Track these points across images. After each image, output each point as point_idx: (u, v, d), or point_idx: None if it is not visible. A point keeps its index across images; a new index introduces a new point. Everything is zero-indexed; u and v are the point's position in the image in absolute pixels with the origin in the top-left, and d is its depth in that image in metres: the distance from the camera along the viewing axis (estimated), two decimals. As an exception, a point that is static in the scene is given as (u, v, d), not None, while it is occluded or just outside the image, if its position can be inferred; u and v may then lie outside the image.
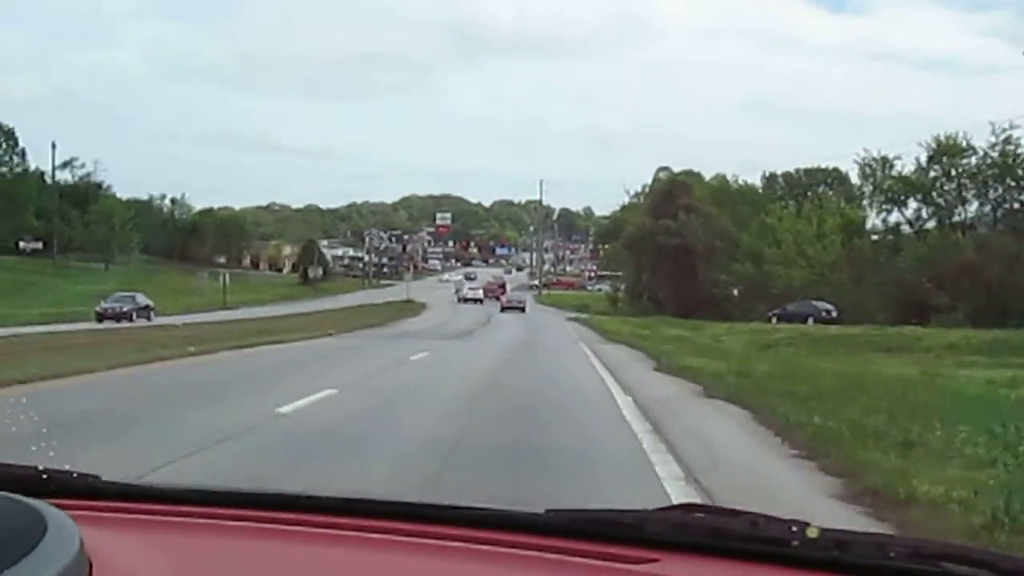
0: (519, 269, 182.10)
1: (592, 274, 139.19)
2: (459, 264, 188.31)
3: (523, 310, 79.11)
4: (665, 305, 74.61)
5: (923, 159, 64.46)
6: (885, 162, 66.70)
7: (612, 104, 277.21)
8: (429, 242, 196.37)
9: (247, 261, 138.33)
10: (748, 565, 1.45)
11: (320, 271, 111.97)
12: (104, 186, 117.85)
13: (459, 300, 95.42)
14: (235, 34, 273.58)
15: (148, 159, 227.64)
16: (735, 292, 68.05)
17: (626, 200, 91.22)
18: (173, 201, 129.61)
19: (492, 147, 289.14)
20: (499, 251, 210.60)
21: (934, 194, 64.32)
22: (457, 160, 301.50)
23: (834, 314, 59.86)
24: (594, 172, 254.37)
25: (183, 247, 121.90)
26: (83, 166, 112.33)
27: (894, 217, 66.74)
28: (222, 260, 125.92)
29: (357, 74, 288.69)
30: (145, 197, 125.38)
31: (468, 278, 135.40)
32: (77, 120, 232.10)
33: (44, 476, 1.68)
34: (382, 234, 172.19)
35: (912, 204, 65.37)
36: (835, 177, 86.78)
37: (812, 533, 1.45)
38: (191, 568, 1.39)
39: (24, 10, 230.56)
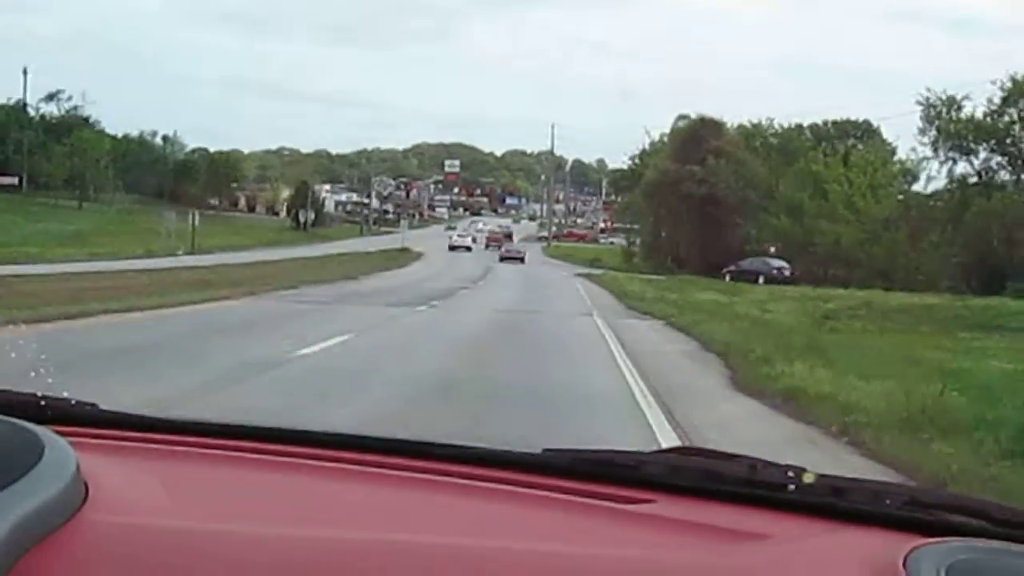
0: (531, 219, 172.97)
1: (605, 226, 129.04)
2: (467, 213, 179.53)
3: (522, 260, 72.29)
4: (686, 262, 64.65)
5: (996, 100, 54.27)
6: (952, 103, 56.03)
7: (632, 54, 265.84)
8: (439, 189, 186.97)
9: (242, 203, 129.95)
10: (743, 508, 1.44)
11: (312, 215, 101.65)
12: (92, 120, 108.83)
13: (449, 248, 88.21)
14: None
15: (160, 102, 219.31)
16: (772, 250, 57.88)
17: (646, 144, 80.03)
18: (165, 139, 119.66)
19: (508, 97, 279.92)
20: (509, 201, 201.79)
21: (1008, 141, 54.00)
22: (471, 109, 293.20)
23: (787, 273, 55.08)
24: (610, 123, 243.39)
25: (174, 188, 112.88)
26: (70, 99, 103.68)
27: (960, 168, 56.37)
28: (214, 202, 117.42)
29: (380, 21, 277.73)
30: (135, 133, 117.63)
31: (475, 228, 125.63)
32: (93, 61, 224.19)
33: (42, 403, 1.65)
34: (389, 180, 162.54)
35: (982, 153, 55.06)
36: (865, 130, 76.68)
37: (808, 479, 1.45)
38: (186, 494, 1.38)
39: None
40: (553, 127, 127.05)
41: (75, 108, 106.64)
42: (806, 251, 57.08)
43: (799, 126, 75.41)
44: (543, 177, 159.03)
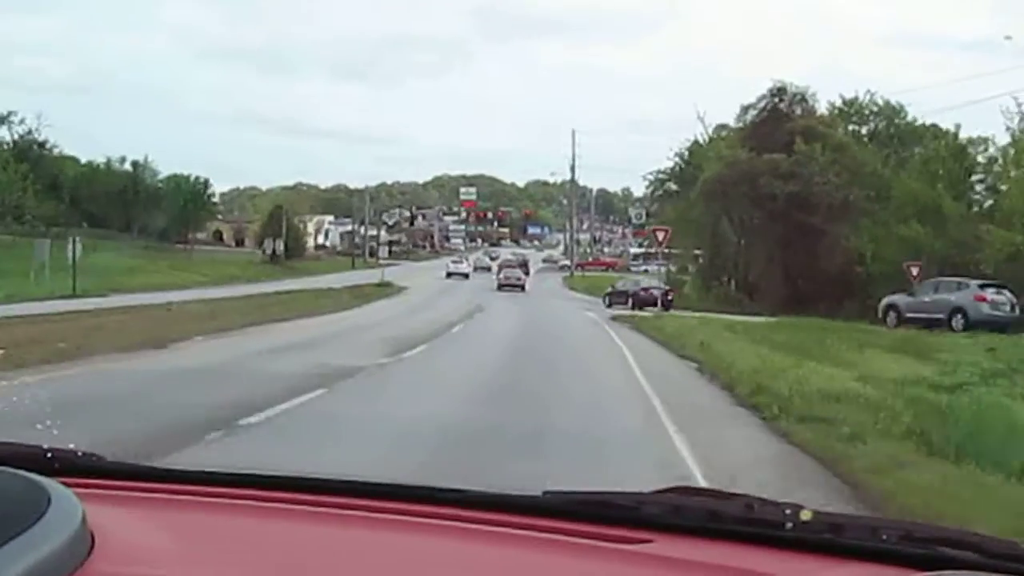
0: (553, 249, 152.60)
1: (640, 248, 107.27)
2: (485, 244, 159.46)
3: (522, 288, 59.82)
4: (763, 291, 43.13)
5: None
6: None
7: (648, 85, 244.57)
8: (457, 220, 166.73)
9: (228, 236, 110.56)
10: (741, 547, 1.41)
11: (281, 245, 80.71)
12: (48, 145, 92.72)
13: (446, 275, 78.67)
14: (265, 18, 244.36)
15: (177, 142, 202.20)
16: (913, 271, 35.81)
17: (701, 135, 57.19)
18: (135, 165, 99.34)
19: (526, 129, 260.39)
20: (531, 230, 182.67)
21: None
22: (490, 141, 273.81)
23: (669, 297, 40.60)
24: (631, 155, 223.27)
25: (144, 219, 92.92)
26: (22, 122, 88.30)
27: None
28: (201, 235, 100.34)
29: (388, 56, 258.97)
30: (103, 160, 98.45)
31: (491, 257, 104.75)
32: (110, 103, 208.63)
33: (48, 455, 1.62)
34: (396, 210, 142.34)
35: None
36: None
37: (805, 516, 1.43)
38: (193, 544, 1.36)
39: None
40: (574, 133, 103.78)
41: (28, 132, 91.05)
42: (961, 266, 35.36)
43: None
44: (565, 202, 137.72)
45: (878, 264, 40.21)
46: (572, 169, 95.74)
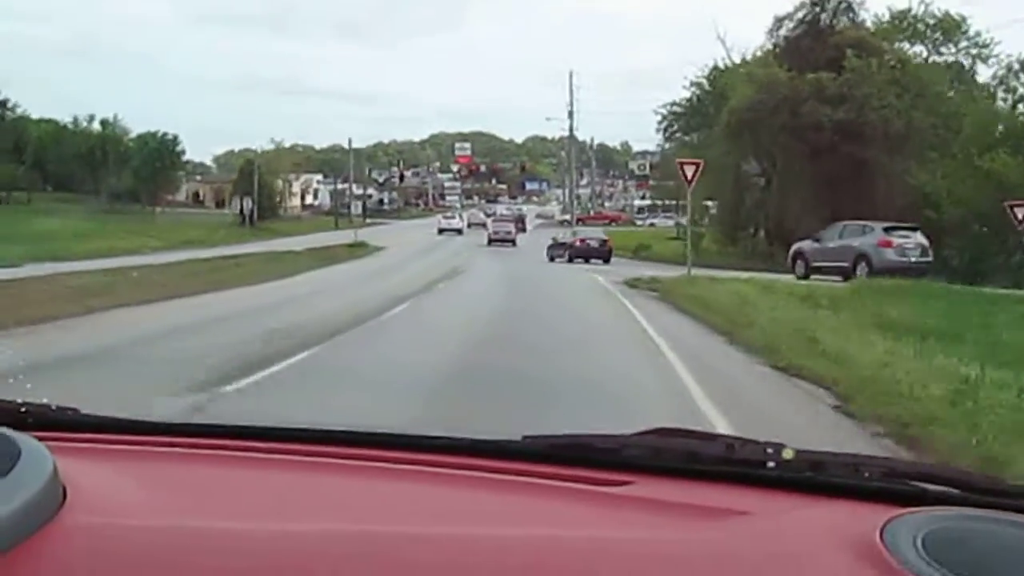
0: (551, 204, 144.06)
1: (645, 201, 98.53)
2: (483, 201, 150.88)
3: (513, 243, 54.98)
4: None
5: None
6: None
7: (652, 36, 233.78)
8: (451, 176, 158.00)
9: (208, 197, 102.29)
10: (723, 487, 1.39)
11: (249, 204, 72.00)
12: (10, 105, 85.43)
13: (438, 231, 74.04)
14: None
15: (173, 104, 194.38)
16: (1019, 214, 26.96)
17: (723, 59, 45.81)
18: (104, 124, 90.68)
19: (524, 83, 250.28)
20: (529, 186, 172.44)
21: None
22: (489, 98, 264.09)
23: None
24: (632, 108, 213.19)
25: (114, 180, 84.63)
26: None
27: None
28: (178, 197, 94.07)
29: (387, 12, 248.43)
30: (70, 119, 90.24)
31: (486, 214, 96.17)
32: (107, 66, 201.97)
33: (23, 410, 1.60)
34: (394, 168, 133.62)
35: None
36: None
37: (787, 455, 1.41)
38: (165, 493, 1.33)
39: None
40: (571, 78, 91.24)
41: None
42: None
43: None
44: (563, 154, 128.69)
45: (955, 206, 31.48)
46: (571, 114, 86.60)
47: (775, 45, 39.24)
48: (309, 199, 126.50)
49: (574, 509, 1.32)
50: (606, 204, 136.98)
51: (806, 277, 28.47)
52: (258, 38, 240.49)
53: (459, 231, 76.31)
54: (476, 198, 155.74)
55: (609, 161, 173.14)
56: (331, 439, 1.58)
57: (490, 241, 57.77)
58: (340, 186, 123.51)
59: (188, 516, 1.21)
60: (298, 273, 30.90)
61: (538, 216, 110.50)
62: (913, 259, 27.09)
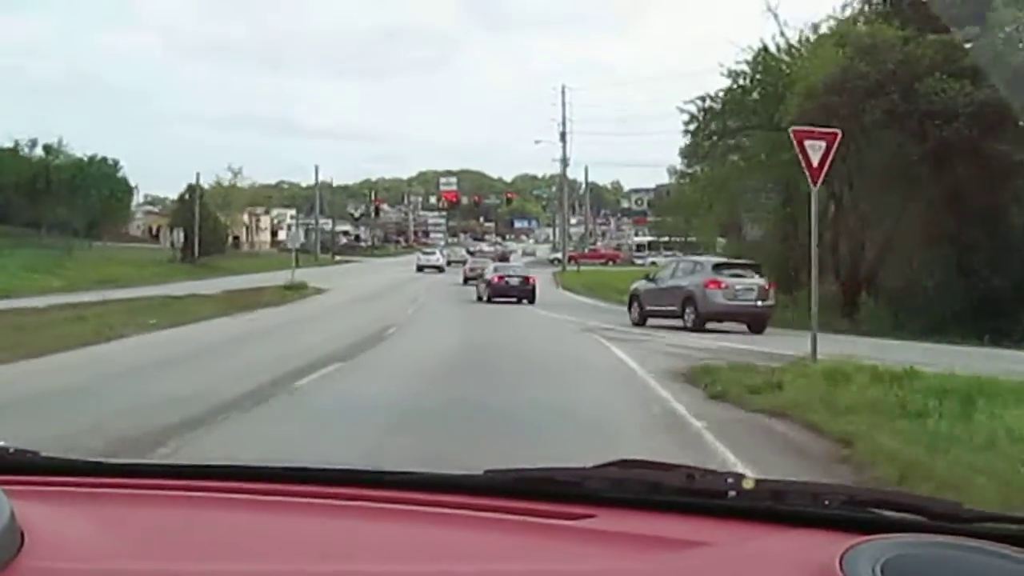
0: (540, 244, 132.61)
1: (643, 237, 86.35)
2: (468, 238, 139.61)
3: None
4: (914, 294, 22.49)
5: None
6: None
7: (636, 80, 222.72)
8: (436, 213, 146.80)
9: (154, 231, 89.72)
10: (684, 517, 1.37)
11: (181, 237, 59.89)
12: None
13: (417, 268, 67.73)
14: (251, 13, 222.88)
15: (162, 144, 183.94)
16: None
17: (774, 36, 31.61)
18: (47, 150, 78.35)
19: (516, 125, 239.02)
20: (517, 224, 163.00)
21: None
22: (478, 138, 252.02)
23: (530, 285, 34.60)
24: (622, 150, 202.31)
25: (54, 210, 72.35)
26: None
27: None
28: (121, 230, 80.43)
29: (376, 52, 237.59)
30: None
31: (469, 252, 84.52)
32: (96, 105, 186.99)
33: None
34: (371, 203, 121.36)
35: None
36: None
37: (748, 484, 1.40)
38: (124, 536, 1.29)
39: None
40: (564, 93, 76.89)
41: None
42: None
43: None
44: (554, 188, 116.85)
45: None
46: (563, 136, 74.25)
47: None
48: (283, 235, 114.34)
49: (537, 543, 1.28)
50: (599, 243, 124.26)
51: (642, 323, 24.58)
52: (245, 74, 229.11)
53: (439, 268, 68.64)
54: (462, 236, 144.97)
55: (600, 200, 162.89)
56: (290, 477, 1.51)
57: (466, 280, 46.24)
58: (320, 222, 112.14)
59: (145, 559, 1.17)
60: (174, 325, 21.88)
61: (524, 254, 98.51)
62: (746, 302, 22.77)
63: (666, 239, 72.08)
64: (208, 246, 63.06)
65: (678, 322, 23.31)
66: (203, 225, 62.48)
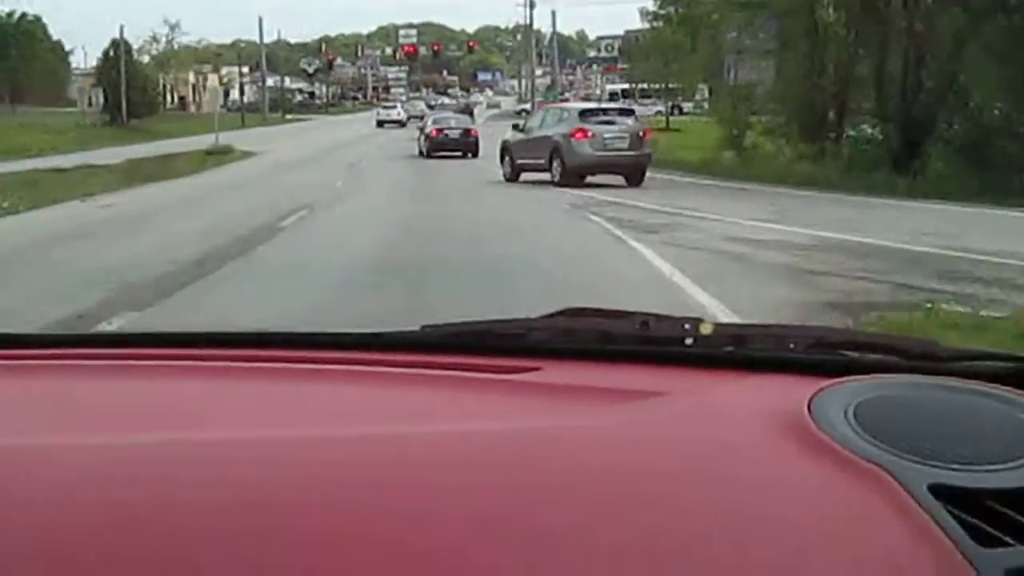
0: (506, 96, 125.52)
1: (617, 85, 79.22)
2: (431, 92, 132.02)
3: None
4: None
5: None
6: None
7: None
8: (397, 68, 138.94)
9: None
10: (638, 367, 1.26)
11: (100, 99, 53.08)
12: None
13: (376, 124, 62.63)
14: None
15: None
16: None
17: None
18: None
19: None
20: (481, 76, 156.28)
21: None
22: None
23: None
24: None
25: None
26: None
27: None
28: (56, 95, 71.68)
29: None
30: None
31: (429, 106, 77.67)
32: None
33: None
34: (334, 60, 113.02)
35: None
36: None
37: (706, 329, 1.30)
38: (49, 408, 1.21)
39: None
40: None
41: None
42: None
43: None
44: (518, 36, 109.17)
45: None
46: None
47: None
48: (236, 95, 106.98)
49: (477, 399, 1.20)
50: (567, 94, 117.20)
51: (515, 178, 22.35)
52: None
53: (401, 123, 63.71)
54: (424, 90, 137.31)
55: (565, 51, 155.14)
56: (209, 341, 1.41)
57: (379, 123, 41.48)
58: (274, 81, 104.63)
59: (71, 432, 1.07)
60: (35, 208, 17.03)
61: (489, 106, 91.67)
62: (617, 152, 20.57)
63: (644, 86, 65.34)
64: (138, 107, 55.92)
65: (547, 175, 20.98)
66: (132, 84, 55.20)
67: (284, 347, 1.38)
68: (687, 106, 62.43)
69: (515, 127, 24.14)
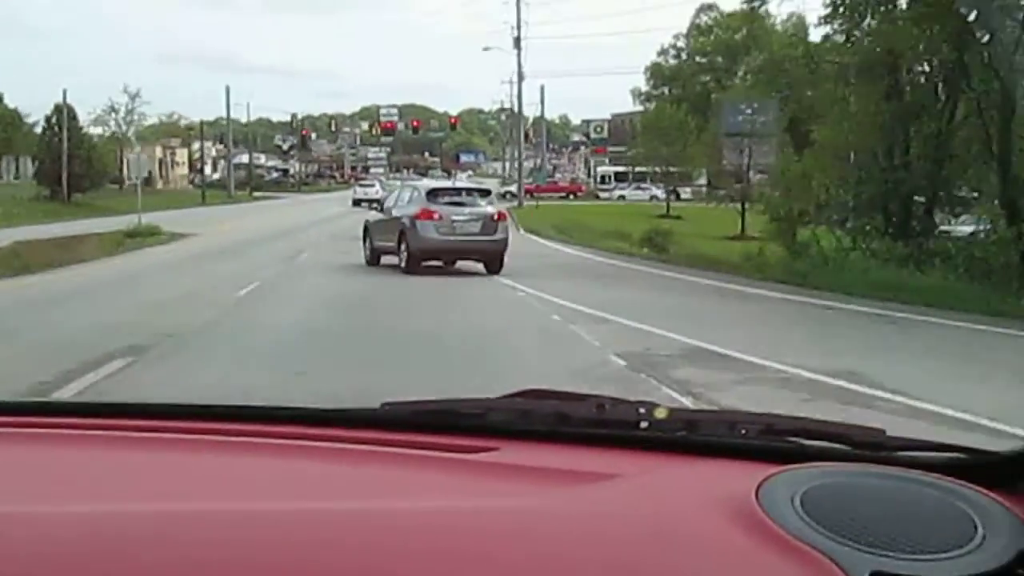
0: (491, 178, 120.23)
1: (611, 167, 73.64)
2: (411, 173, 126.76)
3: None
4: None
5: None
6: None
7: (587, 14, 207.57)
8: (377, 149, 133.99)
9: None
10: (593, 449, 1.26)
11: (29, 169, 47.59)
12: None
13: (352, 203, 56.34)
14: None
15: (108, 82, 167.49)
16: None
17: None
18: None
19: (463, 61, 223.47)
20: (464, 158, 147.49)
21: None
22: (425, 74, 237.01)
23: None
24: (570, 85, 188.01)
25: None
26: None
27: None
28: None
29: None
30: None
31: (406, 184, 71.14)
32: (33, 46, 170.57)
33: None
34: (308, 135, 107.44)
35: None
36: None
37: (660, 414, 1.30)
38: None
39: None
40: (519, 4, 63.17)
41: None
42: None
43: None
44: (504, 117, 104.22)
45: None
46: (517, 42, 60.25)
47: None
48: (209, 170, 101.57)
49: (435, 478, 1.19)
50: (556, 176, 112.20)
51: (375, 262, 19.59)
52: (191, 10, 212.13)
53: (377, 202, 54.28)
54: (405, 171, 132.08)
55: (548, 134, 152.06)
56: (175, 414, 1.39)
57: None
58: (248, 158, 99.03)
59: (23, 501, 1.06)
60: None
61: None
62: (467, 237, 18.17)
63: (642, 169, 59.90)
64: (81, 180, 49.67)
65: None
66: (75, 156, 49.05)
67: (244, 421, 1.35)
68: (685, 191, 57.00)
69: (379, 206, 21.89)
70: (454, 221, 18.37)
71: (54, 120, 48.76)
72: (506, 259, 18.58)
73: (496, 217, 19.05)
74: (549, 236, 30.35)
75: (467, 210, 18.83)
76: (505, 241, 19.01)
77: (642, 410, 1.29)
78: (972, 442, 1.28)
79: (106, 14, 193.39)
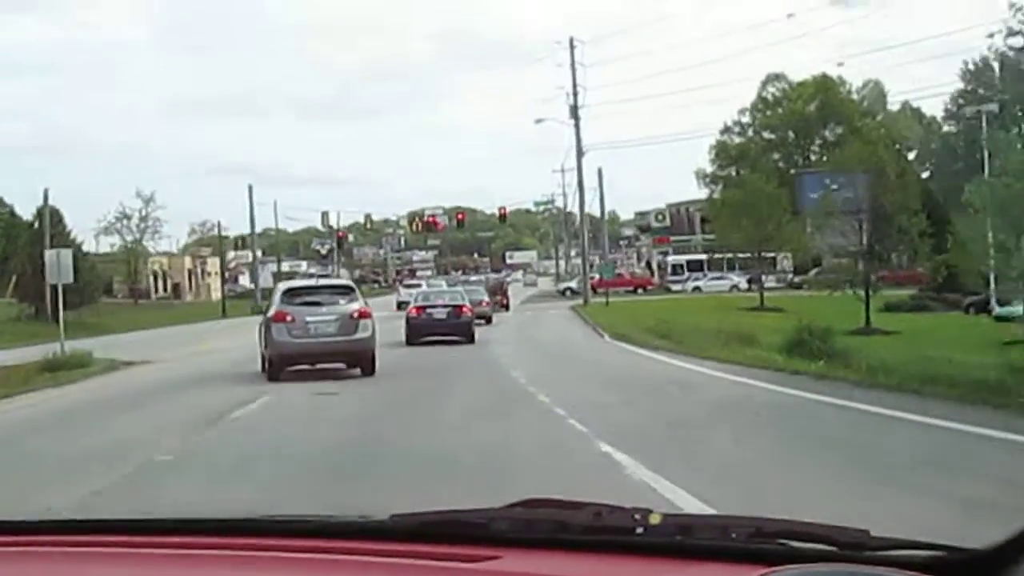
0: (542, 276, 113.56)
1: (678, 256, 65.88)
2: (460, 274, 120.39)
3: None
4: None
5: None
6: None
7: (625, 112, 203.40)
8: (424, 253, 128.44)
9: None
10: (592, 556, 1.31)
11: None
12: None
13: (397, 305, 48.69)
14: (231, 69, 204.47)
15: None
16: None
17: None
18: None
19: (507, 161, 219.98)
20: (513, 258, 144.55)
21: None
22: (470, 176, 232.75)
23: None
24: (616, 179, 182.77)
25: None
26: None
27: None
28: None
29: (360, 93, 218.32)
30: None
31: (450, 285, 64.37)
32: (95, 165, 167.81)
33: None
34: (344, 237, 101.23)
35: None
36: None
37: (655, 520, 1.33)
38: None
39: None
40: (572, 46, 55.91)
41: None
42: None
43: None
44: (554, 209, 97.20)
45: None
46: (574, 109, 51.58)
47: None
48: (244, 280, 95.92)
49: None
50: (620, 269, 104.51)
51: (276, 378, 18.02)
52: (228, 124, 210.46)
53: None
54: (454, 272, 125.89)
55: (598, 230, 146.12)
56: (195, 529, 1.39)
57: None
58: (285, 265, 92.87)
59: None
60: None
61: (525, 285, 78.69)
62: (323, 338, 17.03)
63: (728, 255, 51.95)
64: (72, 295, 42.43)
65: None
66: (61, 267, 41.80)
67: (251, 535, 1.35)
68: (768, 279, 48.68)
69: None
70: (308, 323, 17.02)
71: (36, 226, 41.76)
72: (623, 409, 10.39)
73: (357, 315, 17.52)
74: (646, 343, 21.65)
75: (323, 309, 17.53)
76: (370, 340, 17.43)
77: (638, 516, 1.31)
78: (952, 540, 1.26)
79: (145, 127, 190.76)
